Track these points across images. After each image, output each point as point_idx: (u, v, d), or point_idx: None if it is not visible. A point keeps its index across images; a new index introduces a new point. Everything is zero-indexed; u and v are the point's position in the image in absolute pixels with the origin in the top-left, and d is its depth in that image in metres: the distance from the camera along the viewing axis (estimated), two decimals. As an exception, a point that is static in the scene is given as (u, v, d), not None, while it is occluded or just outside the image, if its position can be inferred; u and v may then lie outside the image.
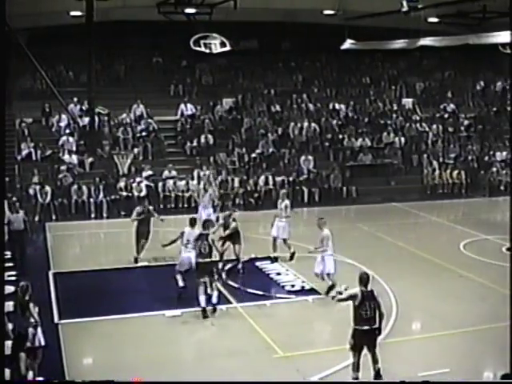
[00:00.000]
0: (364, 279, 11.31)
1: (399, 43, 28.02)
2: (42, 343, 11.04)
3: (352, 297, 11.27)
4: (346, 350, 12.37)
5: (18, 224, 18.01)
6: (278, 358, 12.48)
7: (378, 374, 11.33)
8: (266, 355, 12.61)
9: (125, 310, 15.13)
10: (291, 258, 18.80)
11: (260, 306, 15.32)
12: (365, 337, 11.21)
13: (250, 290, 16.26)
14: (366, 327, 11.15)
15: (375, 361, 11.36)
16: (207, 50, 26.34)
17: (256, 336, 13.55)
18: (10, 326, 12.69)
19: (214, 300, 14.71)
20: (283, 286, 16.72)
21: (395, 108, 34.06)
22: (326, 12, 29.54)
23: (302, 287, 16.59)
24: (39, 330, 11.21)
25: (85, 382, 10.51)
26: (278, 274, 17.70)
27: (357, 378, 11.31)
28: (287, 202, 19.18)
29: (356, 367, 11.32)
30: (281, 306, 15.54)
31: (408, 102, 34.83)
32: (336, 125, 31.93)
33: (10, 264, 18.03)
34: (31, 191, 24.88)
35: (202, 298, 14.52)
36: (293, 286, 16.70)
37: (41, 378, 10.93)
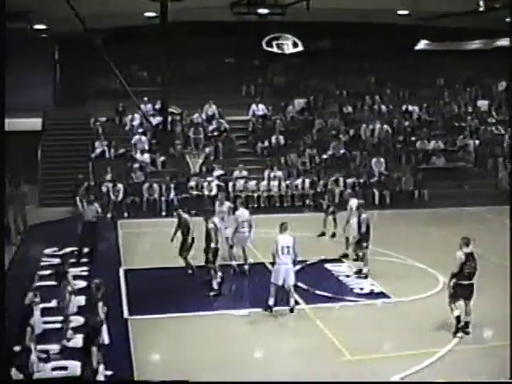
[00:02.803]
0: (466, 241, 13.37)
1: (475, 44, 27.48)
2: (105, 342, 11.18)
3: (459, 259, 13.25)
4: (414, 356, 12.24)
5: (92, 216, 18.90)
6: (345, 361, 12.34)
7: (466, 326, 13.35)
8: (333, 358, 12.48)
9: (193, 308, 15.23)
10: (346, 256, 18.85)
11: (329, 309, 15.20)
12: (463, 290, 13.27)
13: (318, 292, 16.15)
14: (465, 282, 13.25)
15: (467, 312, 13.38)
16: (279, 51, 26.36)
17: (324, 338, 13.43)
18: (81, 320, 12.99)
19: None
20: (352, 289, 16.54)
21: (470, 110, 33.37)
22: (400, 12, 29.12)
23: (372, 290, 16.38)
24: (104, 328, 11.37)
25: (155, 382, 10.64)
26: (348, 276, 17.53)
27: (459, 315, 13.38)
28: (354, 201, 19.19)
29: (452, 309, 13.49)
30: (349, 308, 15.37)
31: (484, 104, 34.04)
32: (408, 127, 31.49)
33: (85, 260, 18.49)
34: (104, 189, 25.34)
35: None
36: (362, 288, 16.51)
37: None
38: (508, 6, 25.26)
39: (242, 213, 17.94)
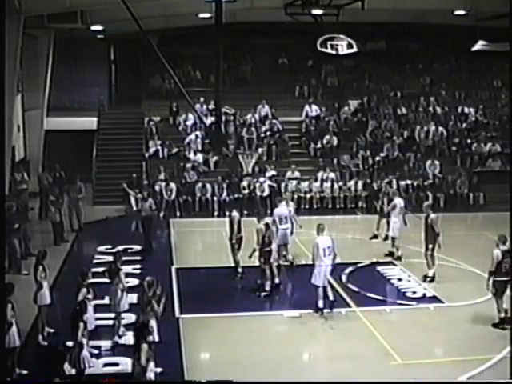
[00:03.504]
0: (503, 240, 13.94)
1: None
2: (155, 339, 11.27)
3: (496, 257, 13.73)
4: (466, 362, 12.03)
5: (146, 211, 19.77)
6: (395, 365, 12.21)
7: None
8: (383, 361, 12.36)
9: (244, 308, 15.28)
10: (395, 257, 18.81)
11: (380, 312, 15.06)
12: (503, 286, 13.62)
13: (370, 295, 16.01)
14: (503, 278, 13.59)
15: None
16: (334, 52, 26.14)
17: (374, 341, 13.32)
18: (133, 317, 13.11)
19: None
20: (404, 293, 16.34)
21: (528, 112, 32.66)
22: (457, 12, 28.67)
23: (424, 294, 16.16)
24: (155, 326, 11.47)
25: (197, 383, 10.67)
26: (400, 279, 17.32)
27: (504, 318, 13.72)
28: (399, 200, 19.16)
29: (498, 310, 13.86)
30: (401, 312, 15.20)
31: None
32: (464, 129, 31.01)
33: (138, 258, 18.71)
34: (157, 188, 25.53)
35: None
36: (414, 292, 16.30)
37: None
38: None
39: (281, 210, 17.91)
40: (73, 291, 12.48)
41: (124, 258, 14.61)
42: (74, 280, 12.82)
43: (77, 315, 11.29)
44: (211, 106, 29.63)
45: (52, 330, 13.41)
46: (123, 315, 13.40)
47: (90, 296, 12.31)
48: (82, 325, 11.07)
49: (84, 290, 12.31)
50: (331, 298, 14.82)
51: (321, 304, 14.64)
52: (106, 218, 24.17)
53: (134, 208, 20.36)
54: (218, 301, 15.66)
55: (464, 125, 31.25)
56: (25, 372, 11.51)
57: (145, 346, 10.02)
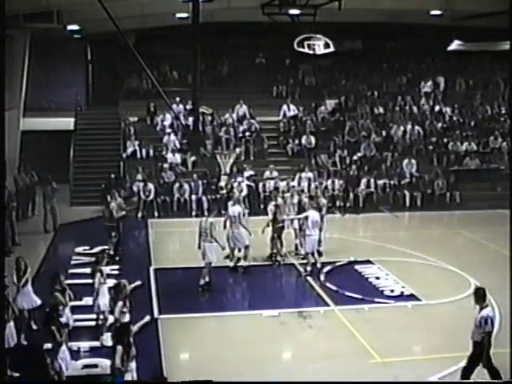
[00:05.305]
0: None
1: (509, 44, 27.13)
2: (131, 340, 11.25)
3: None
4: (444, 359, 12.10)
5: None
6: (374, 364, 12.28)
7: None
8: (362, 360, 12.42)
9: (223, 308, 15.29)
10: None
11: (358, 310, 15.12)
12: None
13: (348, 294, 16.08)
14: None
15: None
16: (311, 51, 26.25)
17: (353, 340, 13.38)
18: (112, 318, 13.04)
19: None
20: (382, 291, 16.43)
21: (503, 111, 32.93)
22: (433, 12, 28.89)
23: (402, 292, 16.24)
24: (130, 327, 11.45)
25: (178, 383, 10.64)
26: (377, 278, 17.40)
27: None
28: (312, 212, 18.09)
29: None
30: (379, 310, 15.26)
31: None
32: (441, 128, 31.20)
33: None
34: (135, 188, 25.44)
35: None
36: (392, 290, 16.39)
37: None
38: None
39: (233, 210, 18.00)
40: (49, 293, 12.41)
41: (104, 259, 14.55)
42: (51, 282, 12.73)
43: (53, 317, 11.22)
44: (189, 106, 29.58)
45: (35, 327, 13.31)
46: (102, 316, 13.32)
47: (67, 297, 12.24)
48: (55, 328, 11.00)
49: (56, 293, 12.21)
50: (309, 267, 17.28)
51: (308, 268, 17.27)
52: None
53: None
54: (198, 301, 15.67)
55: (440, 124, 31.43)
56: (16, 374, 11.39)
57: (119, 348, 9.99)
